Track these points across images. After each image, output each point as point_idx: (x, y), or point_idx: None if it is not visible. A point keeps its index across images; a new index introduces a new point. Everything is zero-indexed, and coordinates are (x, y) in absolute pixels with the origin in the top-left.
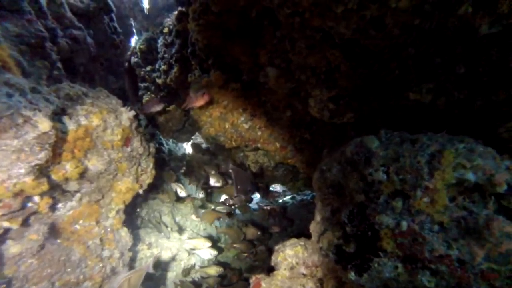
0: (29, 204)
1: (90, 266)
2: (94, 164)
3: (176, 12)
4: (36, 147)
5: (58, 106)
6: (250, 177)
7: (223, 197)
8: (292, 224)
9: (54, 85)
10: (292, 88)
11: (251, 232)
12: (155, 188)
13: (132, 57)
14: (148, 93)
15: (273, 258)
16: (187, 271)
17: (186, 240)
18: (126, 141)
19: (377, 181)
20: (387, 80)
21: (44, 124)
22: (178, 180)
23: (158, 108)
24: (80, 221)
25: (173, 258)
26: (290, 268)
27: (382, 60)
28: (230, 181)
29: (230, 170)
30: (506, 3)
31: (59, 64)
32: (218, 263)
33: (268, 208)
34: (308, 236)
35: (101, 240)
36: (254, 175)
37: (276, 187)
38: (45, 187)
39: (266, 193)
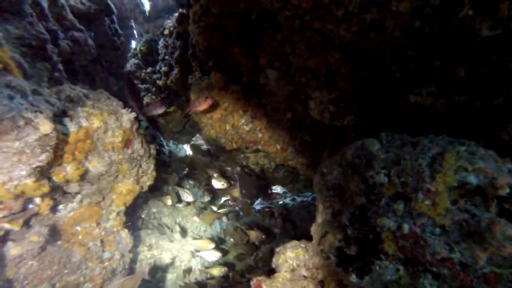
0: (30, 206)
1: (90, 267)
2: (95, 166)
3: (176, 14)
4: (37, 149)
5: (59, 108)
6: (255, 181)
7: (223, 199)
8: (295, 227)
9: (55, 87)
10: (292, 90)
11: (255, 235)
12: (156, 189)
13: (133, 58)
14: (149, 94)
15: (274, 260)
16: (188, 271)
17: (190, 241)
18: (127, 143)
19: (378, 183)
20: (387, 83)
21: (45, 126)
22: (180, 181)
23: (160, 111)
24: (81, 223)
25: (174, 260)
26: (291, 270)
27: (382, 63)
28: (233, 183)
29: (236, 175)
30: (507, 6)
31: (60, 66)
32: (222, 263)
33: (271, 210)
34: (308, 238)
35: (101, 241)
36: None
37: (277, 189)
38: (46, 188)
39: (267, 195)
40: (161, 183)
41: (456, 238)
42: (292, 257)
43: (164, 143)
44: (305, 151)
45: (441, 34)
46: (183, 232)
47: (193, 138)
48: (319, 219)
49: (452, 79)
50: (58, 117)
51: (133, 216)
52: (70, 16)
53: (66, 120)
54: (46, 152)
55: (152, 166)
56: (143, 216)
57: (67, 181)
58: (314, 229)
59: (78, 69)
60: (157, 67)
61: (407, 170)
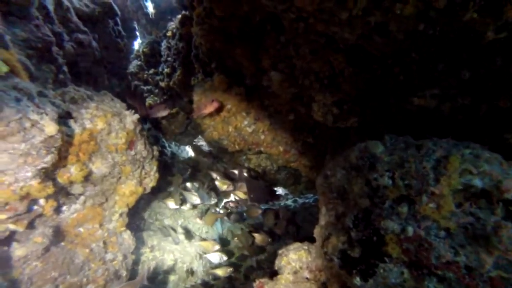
0: (35, 207)
1: (93, 269)
2: (98, 167)
3: (179, 16)
4: (42, 150)
5: (64, 109)
6: (263, 184)
7: (225, 200)
8: (299, 230)
9: (59, 88)
10: (295, 93)
11: (261, 238)
12: (158, 190)
13: (136, 60)
14: (151, 96)
15: (276, 262)
16: (190, 272)
17: (196, 242)
18: (130, 144)
19: (382, 186)
20: (390, 85)
21: (51, 128)
22: (184, 182)
23: (164, 113)
24: (84, 224)
25: (176, 261)
26: (294, 272)
27: (386, 65)
28: (237, 184)
29: (243, 180)
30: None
31: (64, 68)
32: (226, 264)
33: (276, 211)
34: (311, 239)
35: (104, 243)
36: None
37: (278, 190)
38: (50, 190)
39: (274, 197)
40: (164, 185)
41: (461, 241)
42: (295, 259)
43: (166, 145)
44: (307, 153)
45: (445, 37)
46: (187, 233)
47: (195, 139)
48: (322, 221)
49: (456, 81)
50: (63, 119)
51: (135, 217)
52: (75, 18)
53: (71, 122)
54: (51, 153)
55: (155, 168)
56: (145, 217)
57: (71, 183)
58: (317, 231)
59: (82, 71)
60: (160, 69)
61: (411, 172)
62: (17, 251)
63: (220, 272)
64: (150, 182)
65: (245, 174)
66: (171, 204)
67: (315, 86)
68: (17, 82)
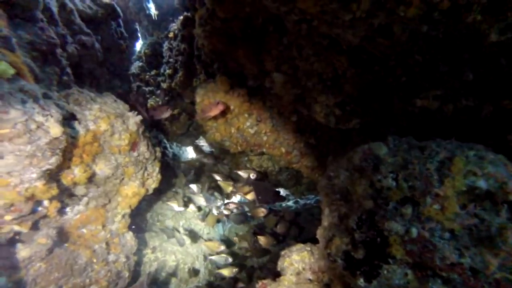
0: (39, 208)
1: (96, 270)
2: (102, 168)
3: (181, 17)
4: (47, 152)
5: (68, 111)
6: (269, 186)
7: (226, 201)
8: (302, 232)
9: (63, 90)
10: (298, 94)
11: (266, 241)
12: (160, 192)
13: (137, 61)
14: (153, 97)
15: (279, 263)
16: (194, 272)
17: (200, 243)
18: (133, 145)
19: (386, 187)
20: (393, 87)
21: (56, 130)
22: (188, 183)
23: (167, 114)
24: (87, 225)
25: (177, 262)
26: (297, 274)
27: (389, 67)
28: (239, 185)
29: (249, 184)
30: None
31: (68, 70)
32: (232, 264)
33: (280, 213)
34: (313, 241)
35: (107, 244)
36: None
37: (280, 191)
38: (54, 191)
39: (281, 199)
40: (166, 186)
41: (466, 243)
42: (298, 260)
43: (168, 146)
44: (309, 154)
45: (449, 38)
46: (190, 234)
47: (196, 140)
48: (325, 222)
49: (459, 83)
50: (67, 120)
51: (137, 218)
52: (78, 20)
53: (75, 123)
54: (56, 155)
55: (157, 169)
56: (147, 218)
57: (75, 184)
58: (320, 233)
59: (85, 72)
60: (162, 70)
61: (415, 174)
62: (22, 252)
63: (225, 272)
64: (153, 183)
65: (253, 176)
66: (175, 206)
67: (318, 87)
68: (23, 84)
